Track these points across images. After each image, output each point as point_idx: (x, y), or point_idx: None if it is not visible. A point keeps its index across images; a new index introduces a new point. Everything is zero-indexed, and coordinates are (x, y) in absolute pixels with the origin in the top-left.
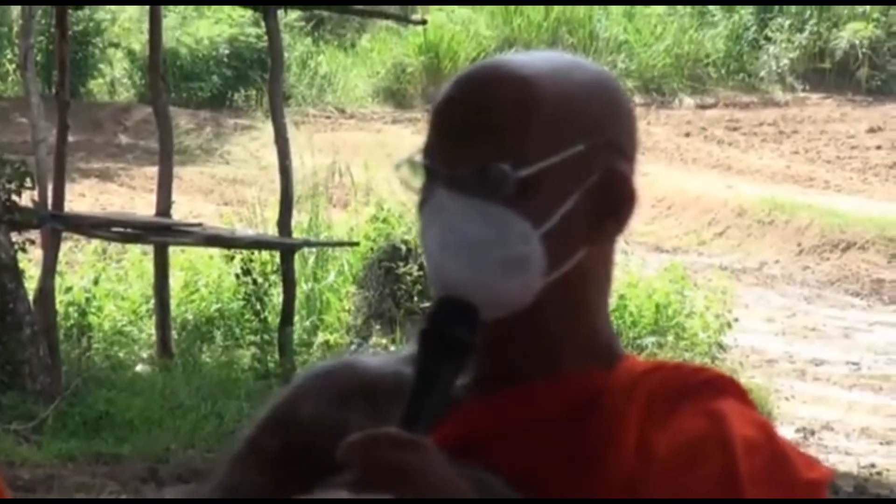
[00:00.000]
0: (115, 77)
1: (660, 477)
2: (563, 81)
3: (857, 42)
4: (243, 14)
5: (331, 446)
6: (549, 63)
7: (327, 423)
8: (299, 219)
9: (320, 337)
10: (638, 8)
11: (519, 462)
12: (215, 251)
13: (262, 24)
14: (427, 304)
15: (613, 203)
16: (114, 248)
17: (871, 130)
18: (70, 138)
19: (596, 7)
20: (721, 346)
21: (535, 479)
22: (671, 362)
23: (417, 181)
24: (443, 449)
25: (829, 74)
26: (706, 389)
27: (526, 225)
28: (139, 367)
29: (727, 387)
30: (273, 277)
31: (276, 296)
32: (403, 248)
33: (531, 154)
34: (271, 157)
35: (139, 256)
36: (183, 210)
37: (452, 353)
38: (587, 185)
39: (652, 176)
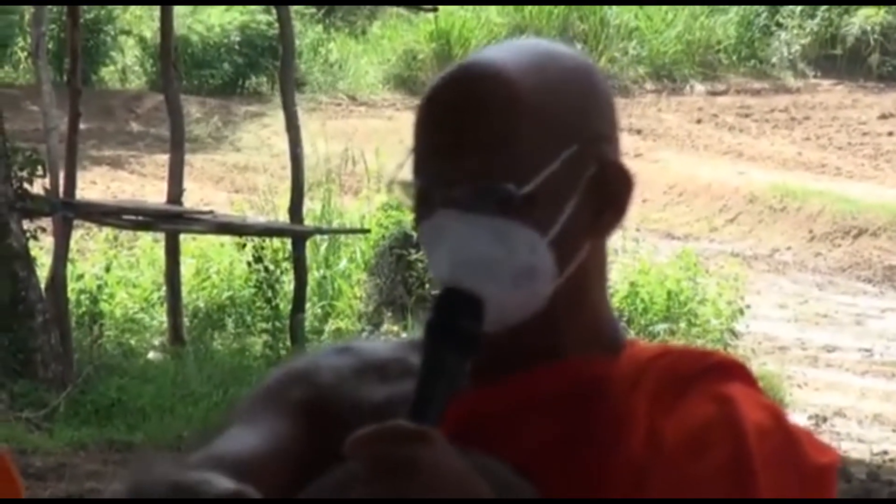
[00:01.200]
0: (126, 65)
1: (670, 463)
2: (547, 80)
3: (869, 28)
4: None
5: (348, 415)
6: (529, 60)
7: (344, 394)
8: (311, 206)
9: (332, 324)
10: None
11: (523, 446)
12: (226, 239)
13: (274, 11)
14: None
15: (612, 194)
16: (125, 235)
17: (883, 116)
18: (81, 126)
19: None
20: (733, 333)
21: (539, 463)
22: (677, 347)
23: (409, 198)
24: (446, 434)
25: (840, 60)
26: (713, 374)
27: (533, 235)
28: (151, 355)
29: (735, 371)
30: (285, 265)
31: (288, 283)
32: (415, 235)
33: (530, 166)
34: (283, 144)
35: (150, 244)
36: (194, 198)
37: (459, 344)
38: (585, 182)
39: (663, 163)
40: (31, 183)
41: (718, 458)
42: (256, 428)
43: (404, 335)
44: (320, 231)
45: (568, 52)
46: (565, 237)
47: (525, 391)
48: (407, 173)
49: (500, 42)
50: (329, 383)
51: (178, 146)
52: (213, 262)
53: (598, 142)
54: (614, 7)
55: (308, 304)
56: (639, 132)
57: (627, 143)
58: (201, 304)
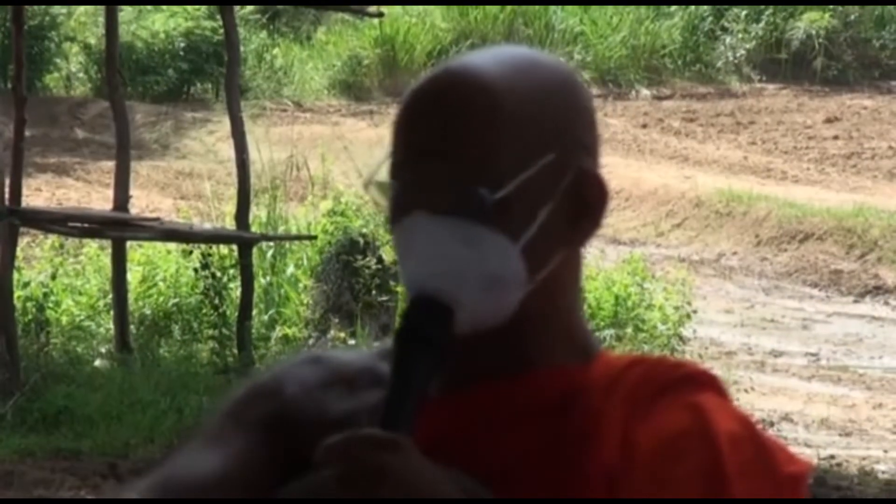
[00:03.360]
0: (71, 71)
1: (644, 472)
2: (528, 88)
3: (814, 32)
4: (199, 7)
5: (312, 428)
6: (511, 67)
7: (310, 406)
8: (257, 212)
9: (279, 331)
10: None
11: (496, 458)
12: (173, 245)
13: (218, 17)
14: (385, 298)
15: (587, 204)
16: (71, 242)
17: (828, 121)
18: (26, 133)
19: None
20: (680, 338)
21: (511, 475)
22: (651, 357)
23: (385, 200)
24: (418, 444)
25: (785, 65)
26: (686, 384)
27: (505, 241)
28: (98, 362)
29: (707, 381)
30: (231, 271)
31: (235, 290)
32: (361, 241)
33: (506, 172)
34: (228, 150)
35: (96, 251)
36: (140, 204)
37: (429, 352)
38: (560, 190)
39: (609, 167)
40: None
41: (692, 467)
42: (211, 449)
43: (352, 342)
44: (266, 238)
45: (551, 61)
46: (538, 245)
47: (498, 401)
48: (383, 174)
49: (453, 51)
50: (293, 396)
51: (123, 153)
52: (160, 269)
53: (576, 151)
54: (559, 12)
55: (255, 311)
56: None
57: None
58: (148, 312)
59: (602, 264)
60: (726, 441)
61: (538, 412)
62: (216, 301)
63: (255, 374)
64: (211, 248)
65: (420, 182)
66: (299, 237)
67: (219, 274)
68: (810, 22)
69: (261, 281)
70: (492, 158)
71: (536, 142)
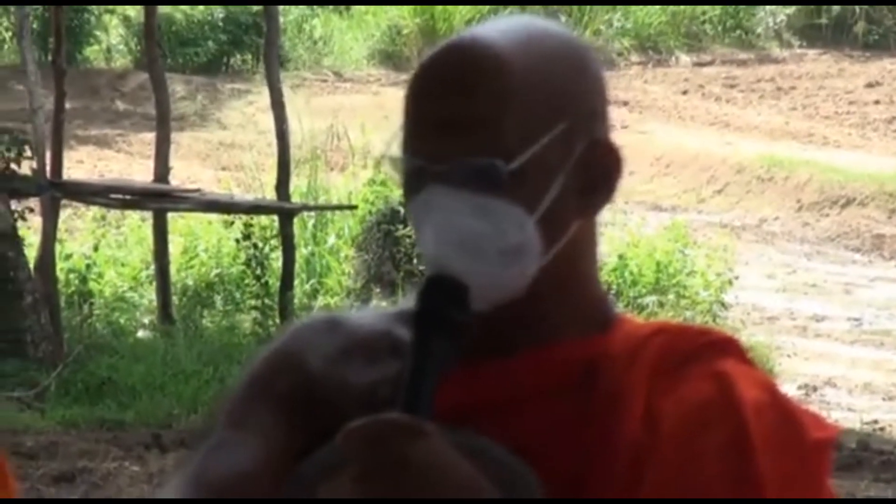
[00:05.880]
0: (111, 44)
1: (669, 445)
2: (538, 58)
3: None
4: None
5: (335, 401)
6: (520, 38)
7: (333, 379)
8: (297, 183)
9: (321, 300)
10: None
11: (520, 430)
12: (214, 216)
13: None
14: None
15: (600, 173)
16: (113, 214)
17: (869, 85)
18: (67, 105)
19: None
20: (722, 305)
21: (536, 448)
22: (672, 324)
23: (400, 174)
24: (440, 419)
25: (826, 30)
26: (709, 351)
27: (520, 212)
28: (140, 333)
29: (729, 348)
30: (273, 242)
31: (277, 260)
32: (402, 210)
33: (518, 143)
34: (268, 121)
35: (138, 222)
36: (181, 175)
37: (447, 332)
38: (573, 160)
39: (650, 134)
40: (18, 163)
41: (718, 438)
42: (240, 439)
43: None
44: (307, 208)
45: (559, 30)
46: (553, 215)
47: (523, 376)
48: (396, 149)
49: (491, 18)
50: (316, 367)
51: (163, 124)
52: (201, 240)
53: (588, 119)
54: None
55: (297, 281)
56: (625, 104)
57: (614, 116)
58: (190, 282)
59: (643, 231)
60: (751, 410)
61: (561, 386)
62: (258, 271)
63: (274, 339)
64: (252, 218)
65: (433, 155)
66: (340, 207)
67: (260, 244)
68: None
69: (302, 251)
70: (504, 130)
71: (548, 112)
